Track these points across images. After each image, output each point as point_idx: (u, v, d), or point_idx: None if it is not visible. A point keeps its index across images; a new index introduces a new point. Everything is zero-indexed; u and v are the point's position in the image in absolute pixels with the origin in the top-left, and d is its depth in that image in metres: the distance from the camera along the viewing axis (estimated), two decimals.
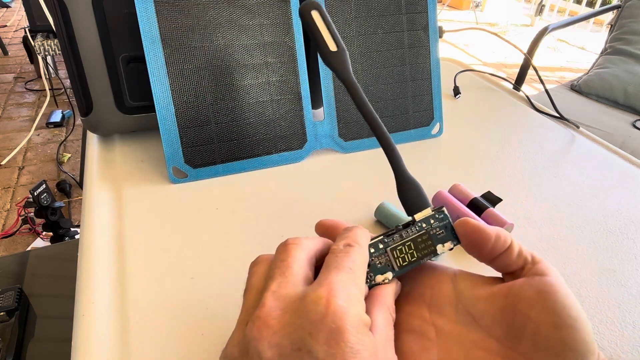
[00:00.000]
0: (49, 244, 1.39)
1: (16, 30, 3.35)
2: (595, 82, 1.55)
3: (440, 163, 0.59)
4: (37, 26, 1.90)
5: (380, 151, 0.60)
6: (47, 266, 0.80)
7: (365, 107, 0.26)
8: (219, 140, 0.52)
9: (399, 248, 0.26)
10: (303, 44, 0.54)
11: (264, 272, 0.24)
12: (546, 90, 0.81)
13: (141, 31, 0.47)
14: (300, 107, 0.56)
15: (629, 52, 1.58)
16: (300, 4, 0.53)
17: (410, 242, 0.26)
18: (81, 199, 1.65)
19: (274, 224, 0.47)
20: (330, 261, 0.23)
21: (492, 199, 0.49)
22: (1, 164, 1.86)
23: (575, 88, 1.61)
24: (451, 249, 0.26)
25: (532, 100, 0.80)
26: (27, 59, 2.73)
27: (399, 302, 0.26)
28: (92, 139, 0.59)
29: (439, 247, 0.26)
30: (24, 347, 0.64)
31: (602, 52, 1.69)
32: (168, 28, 0.48)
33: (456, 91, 0.80)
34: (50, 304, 0.71)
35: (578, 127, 0.73)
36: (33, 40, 1.88)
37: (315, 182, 0.53)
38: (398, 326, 0.25)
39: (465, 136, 0.67)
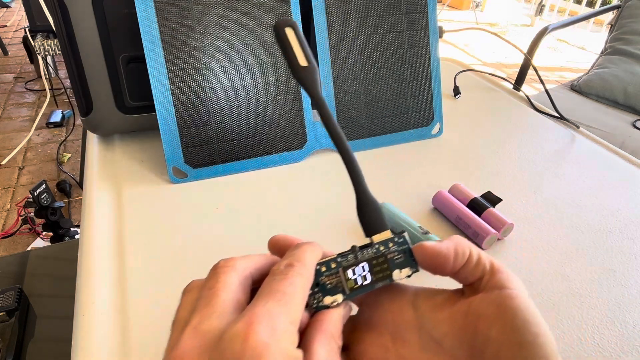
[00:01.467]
0: (49, 244, 1.39)
1: (16, 30, 3.35)
2: (595, 82, 1.55)
3: (440, 163, 0.59)
4: (37, 26, 1.90)
5: (380, 151, 0.60)
6: (47, 266, 0.80)
7: (330, 121, 0.26)
8: (219, 140, 0.52)
9: (352, 269, 0.24)
10: None
11: (193, 301, 0.21)
12: (546, 90, 0.81)
13: (141, 31, 0.47)
14: (300, 107, 0.56)
15: (629, 52, 1.58)
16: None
17: (365, 264, 0.24)
18: (81, 199, 1.65)
19: (274, 224, 0.47)
20: (264, 286, 0.21)
21: (492, 199, 0.49)
22: (1, 164, 1.86)
23: (575, 88, 1.61)
24: (409, 276, 0.25)
25: (532, 100, 0.80)
26: (27, 59, 2.72)
27: (360, 331, 0.25)
28: (92, 139, 0.59)
29: (396, 273, 0.24)
30: (24, 347, 0.64)
31: (602, 52, 1.69)
32: (168, 28, 0.48)
33: (456, 91, 0.80)
34: (50, 304, 0.71)
35: (578, 127, 0.73)
36: (33, 40, 1.88)
37: (315, 182, 0.53)
38: (361, 358, 0.24)
39: (465, 136, 0.67)
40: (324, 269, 0.24)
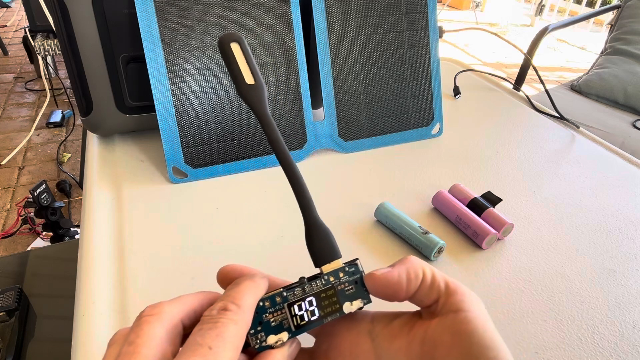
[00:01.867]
0: (49, 244, 1.39)
1: (16, 30, 3.35)
2: (595, 82, 1.55)
3: (440, 163, 0.59)
4: (37, 26, 1.90)
5: (380, 151, 0.60)
6: (47, 266, 0.80)
7: (278, 144, 0.24)
8: (219, 140, 0.52)
9: (298, 304, 0.22)
10: (303, 44, 0.54)
11: (115, 357, 0.19)
12: (546, 90, 0.81)
13: (141, 31, 0.47)
14: (300, 107, 0.56)
15: (629, 52, 1.58)
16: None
17: (313, 298, 0.23)
18: (81, 199, 1.65)
19: (274, 224, 0.47)
20: (190, 338, 0.19)
21: (492, 199, 0.49)
22: (1, 164, 1.86)
23: (575, 88, 1.61)
24: (361, 308, 0.23)
25: (532, 100, 0.80)
26: (27, 59, 2.73)
27: None
28: (92, 139, 0.59)
29: (346, 306, 0.23)
30: (24, 347, 0.64)
31: (602, 52, 1.69)
32: (168, 28, 0.48)
33: (456, 91, 0.80)
34: (50, 304, 0.71)
35: (578, 127, 0.73)
36: (33, 40, 1.88)
37: (315, 182, 0.53)
38: None
39: (465, 136, 0.67)
40: (267, 304, 0.22)
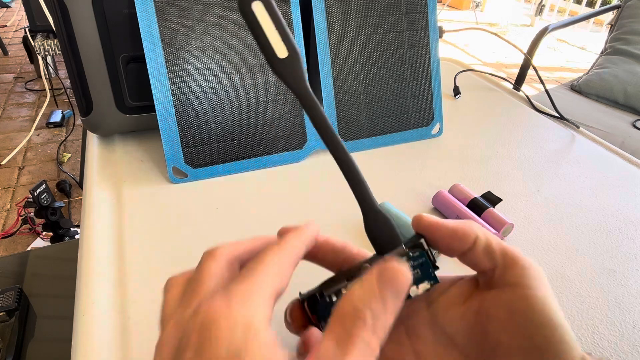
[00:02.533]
0: (49, 244, 1.39)
1: (16, 30, 3.35)
2: (595, 82, 1.55)
3: (440, 163, 0.59)
4: (37, 26, 1.90)
5: (379, 151, 0.60)
6: (47, 266, 0.80)
7: (324, 125, 0.21)
8: (219, 140, 0.52)
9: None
10: (303, 44, 0.54)
11: (178, 296, 0.21)
12: (546, 90, 0.81)
13: (141, 31, 0.47)
14: (301, 107, 0.56)
15: (629, 52, 1.58)
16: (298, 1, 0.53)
17: None
18: (81, 199, 1.65)
19: (274, 224, 0.47)
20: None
21: (492, 199, 0.49)
22: (1, 164, 1.86)
23: (575, 88, 1.61)
24: (427, 290, 0.23)
25: (532, 100, 0.80)
26: (27, 59, 2.73)
27: None
28: (92, 139, 0.59)
29: (413, 290, 0.23)
30: (24, 347, 0.64)
31: (602, 52, 1.69)
32: (168, 28, 0.48)
33: (456, 91, 0.80)
34: (50, 304, 0.71)
35: (578, 127, 0.73)
36: (33, 40, 1.88)
37: (315, 182, 0.53)
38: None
39: (465, 136, 0.67)
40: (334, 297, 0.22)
